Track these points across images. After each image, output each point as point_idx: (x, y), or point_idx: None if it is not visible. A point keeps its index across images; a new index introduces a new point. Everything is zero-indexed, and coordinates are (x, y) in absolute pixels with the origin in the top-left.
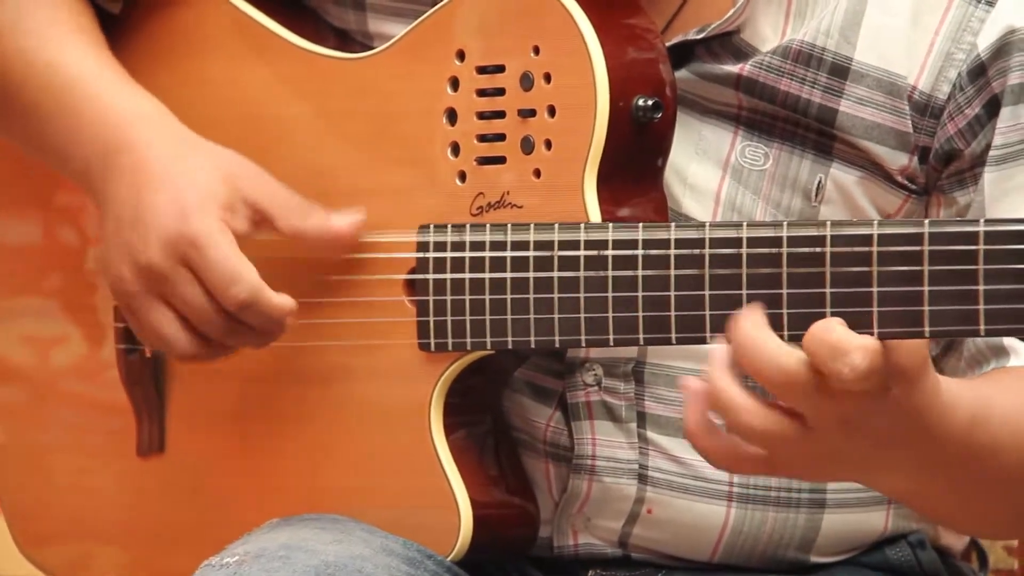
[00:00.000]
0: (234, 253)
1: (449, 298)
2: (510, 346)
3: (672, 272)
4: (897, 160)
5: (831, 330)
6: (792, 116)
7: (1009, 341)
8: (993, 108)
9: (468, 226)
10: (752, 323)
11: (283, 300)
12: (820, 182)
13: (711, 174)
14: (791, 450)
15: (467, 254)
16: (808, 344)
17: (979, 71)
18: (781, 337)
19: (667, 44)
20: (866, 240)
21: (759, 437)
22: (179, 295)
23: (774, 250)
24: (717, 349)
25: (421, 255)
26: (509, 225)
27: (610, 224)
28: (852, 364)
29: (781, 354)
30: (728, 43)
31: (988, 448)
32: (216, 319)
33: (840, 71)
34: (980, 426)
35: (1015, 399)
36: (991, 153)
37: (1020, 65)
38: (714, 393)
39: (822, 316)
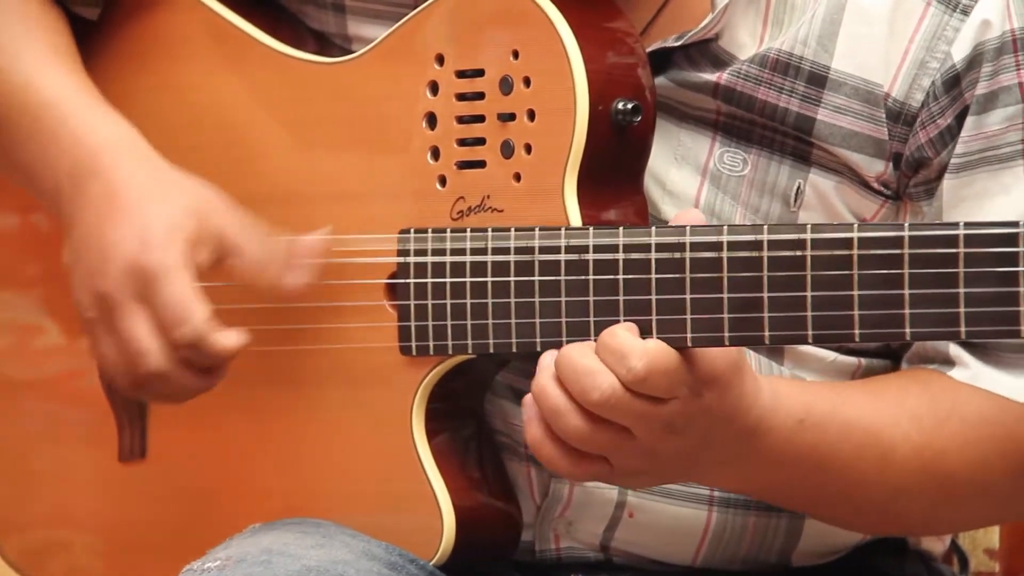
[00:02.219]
0: (187, 291)
1: (430, 302)
2: (491, 350)
3: (653, 276)
4: (874, 167)
5: (613, 335)
6: (770, 124)
7: (956, 350)
8: (964, 119)
9: (449, 230)
10: (574, 348)
11: (230, 340)
12: (799, 187)
13: (690, 180)
14: (623, 453)
15: (448, 258)
16: (599, 352)
17: (954, 82)
18: (762, 340)
19: (646, 51)
20: (846, 243)
21: (587, 441)
22: (122, 328)
23: (754, 253)
24: (546, 355)
25: (402, 260)
26: (490, 229)
27: (591, 228)
28: (629, 366)
29: (601, 369)
30: (706, 50)
31: (822, 453)
32: (160, 356)
33: (818, 80)
34: (809, 431)
35: (881, 409)
36: (952, 161)
37: (988, 75)
38: (539, 398)
39: (803, 320)
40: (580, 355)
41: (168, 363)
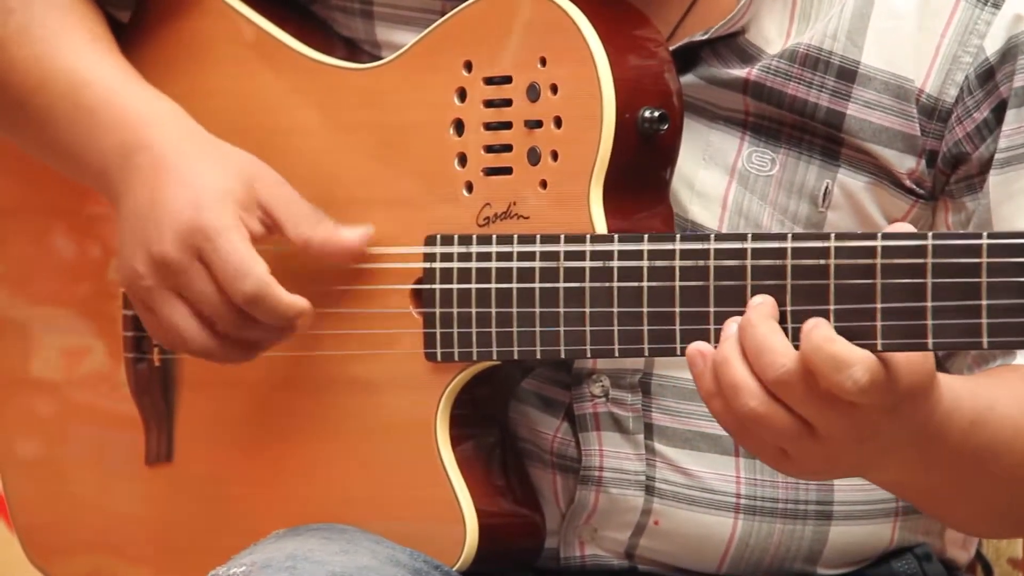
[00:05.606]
0: (245, 247)
1: (456, 309)
2: (516, 357)
3: (677, 284)
4: (905, 163)
5: (832, 340)
6: (799, 121)
7: None
8: (1001, 112)
9: (474, 237)
10: (759, 313)
11: (294, 299)
12: (827, 187)
13: (718, 180)
14: (800, 446)
15: (473, 264)
16: (808, 353)
17: (988, 75)
18: None
19: (672, 47)
20: (870, 252)
21: (764, 427)
22: (191, 287)
23: (778, 262)
24: (730, 323)
25: (428, 266)
26: (515, 236)
27: (616, 235)
28: (854, 378)
29: (782, 349)
30: (734, 44)
31: (986, 449)
32: (226, 313)
33: (847, 75)
34: (979, 427)
35: (1017, 400)
36: (996, 156)
37: None
38: (720, 365)
39: None
40: (767, 330)
41: (239, 319)
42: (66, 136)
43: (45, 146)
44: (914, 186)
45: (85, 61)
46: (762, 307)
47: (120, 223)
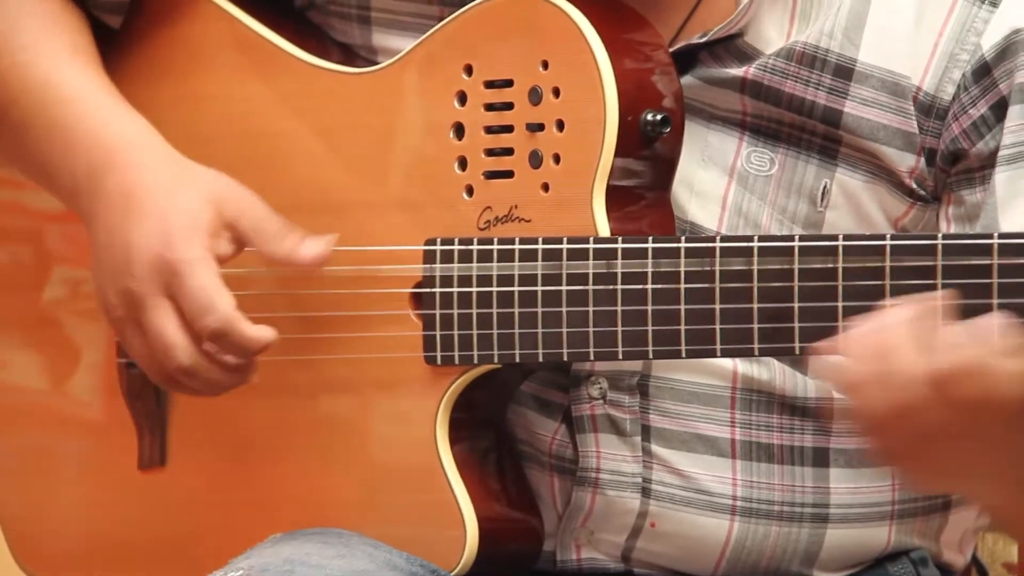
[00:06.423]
0: (212, 282)
1: (456, 312)
2: (517, 359)
3: (682, 286)
4: (905, 161)
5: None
6: (797, 119)
7: None
8: (1001, 109)
9: (475, 240)
10: (930, 307)
11: (259, 332)
12: (825, 187)
13: (717, 180)
14: (944, 445)
15: (474, 265)
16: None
17: (983, 71)
18: (791, 351)
19: (672, 50)
20: (879, 252)
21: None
22: (149, 324)
23: (785, 265)
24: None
25: (428, 268)
26: (517, 239)
27: (619, 238)
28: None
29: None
30: (732, 46)
31: None
32: (189, 350)
33: (844, 72)
34: None
35: None
36: (1001, 153)
37: None
38: (889, 353)
39: (834, 331)
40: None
41: (196, 357)
42: (41, 151)
43: (21, 159)
44: (915, 186)
45: (65, 75)
46: (933, 302)
47: (93, 246)
